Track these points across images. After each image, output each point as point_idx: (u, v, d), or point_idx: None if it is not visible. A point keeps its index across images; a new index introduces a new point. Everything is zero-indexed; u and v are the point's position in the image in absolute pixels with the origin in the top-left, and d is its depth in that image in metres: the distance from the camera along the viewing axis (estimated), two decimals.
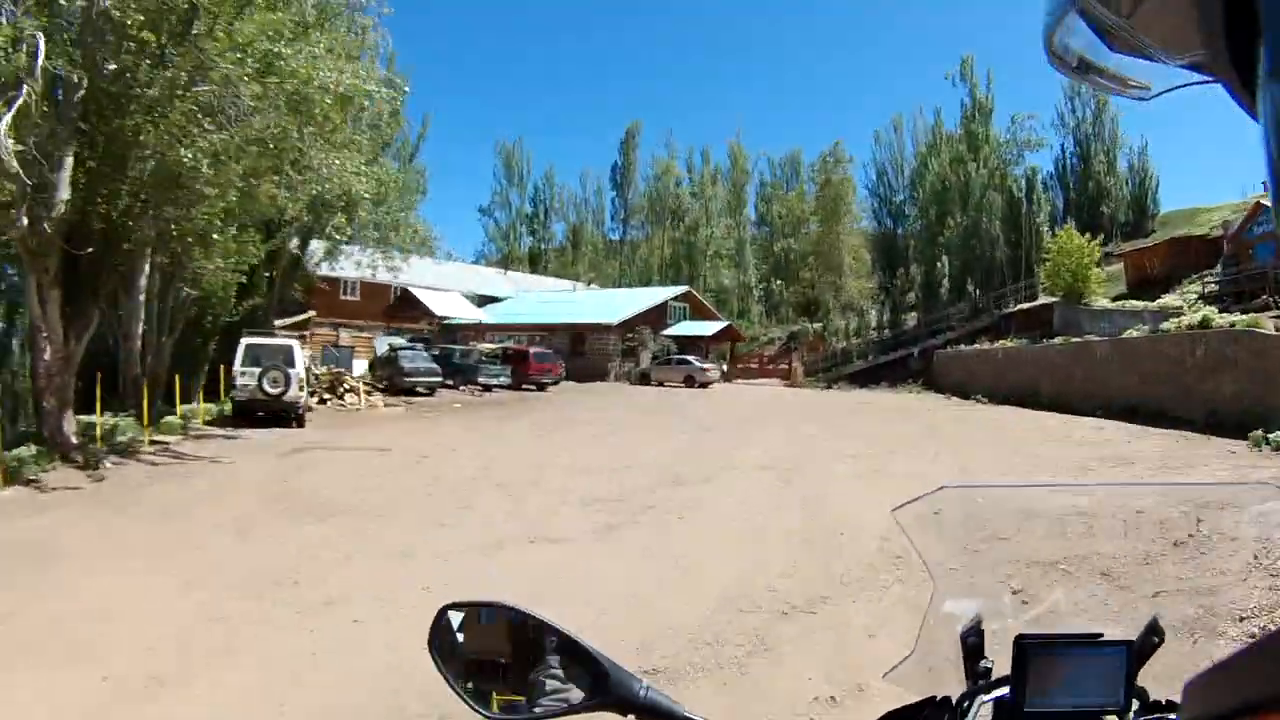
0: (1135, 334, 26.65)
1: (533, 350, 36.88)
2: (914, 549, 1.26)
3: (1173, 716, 1.02)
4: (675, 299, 49.01)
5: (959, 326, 44.24)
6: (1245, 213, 34.12)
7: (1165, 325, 25.97)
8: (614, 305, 46.25)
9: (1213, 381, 21.52)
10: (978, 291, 47.44)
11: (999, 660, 1.14)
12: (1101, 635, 1.05)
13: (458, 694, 1.11)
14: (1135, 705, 1.04)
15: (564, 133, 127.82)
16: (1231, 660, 0.34)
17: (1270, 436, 15.90)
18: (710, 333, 47.20)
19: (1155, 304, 30.85)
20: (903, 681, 1.19)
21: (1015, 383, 31.72)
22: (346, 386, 26.19)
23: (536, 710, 1.07)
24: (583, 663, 1.09)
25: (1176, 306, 29.12)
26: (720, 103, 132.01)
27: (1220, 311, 25.73)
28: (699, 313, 50.32)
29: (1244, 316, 23.73)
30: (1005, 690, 1.07)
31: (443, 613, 1.18)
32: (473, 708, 1.09)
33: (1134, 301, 32.09)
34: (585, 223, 77.78)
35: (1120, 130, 55.29)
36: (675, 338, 45.73)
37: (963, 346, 39.87)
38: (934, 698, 1.13)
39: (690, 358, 41.24)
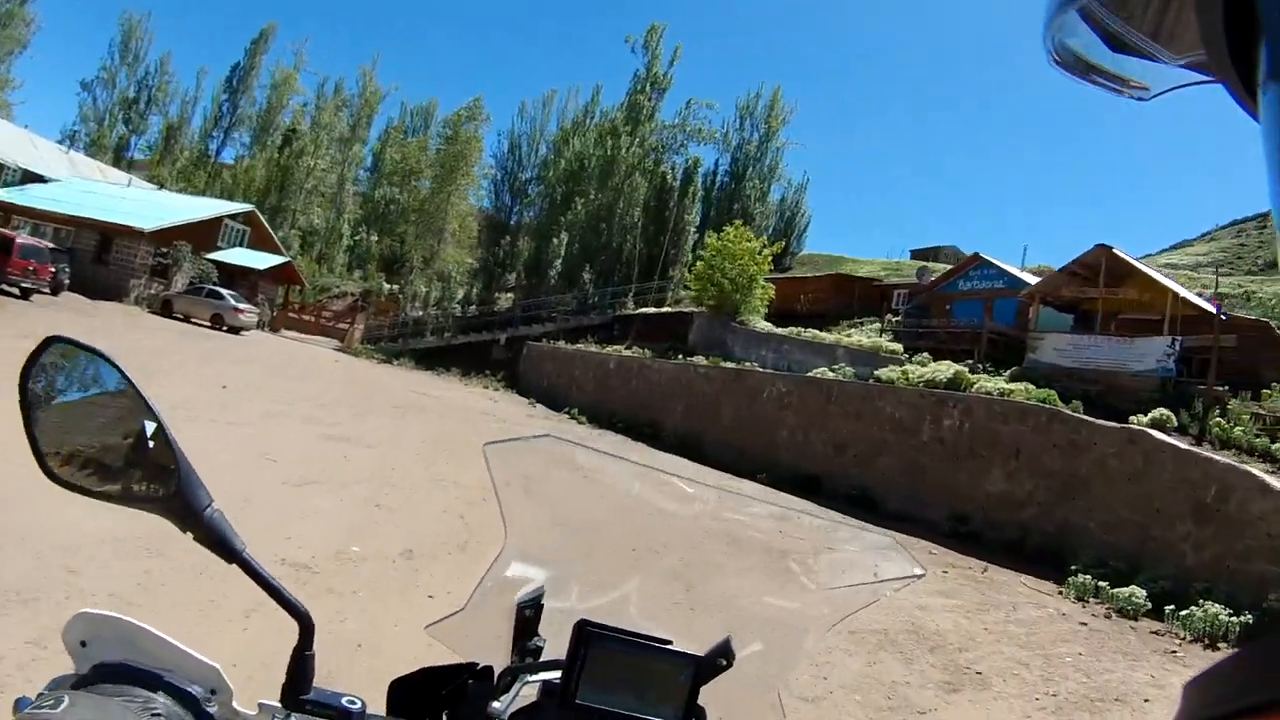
0: (834, 376, 17.45)
1: (19, 240, 24.86)
2: (495, 492, 1.13)
3: None
4: (234, 218, 38.82)
5: (562, 318, 34.07)
6: (939, 270, 30.58)
7: (886, 373, 16.96)
8: (156, 209, 35.87)
9: (969, 470, 13.81)
10: (594, 283, 37.60)
11: (552, 641, 1.09)
12: (671, 643, 0.98)
13: (28, 437, 0.93)
14: None
15: (200, 21, 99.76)
16: (1231, 660, 0.29)
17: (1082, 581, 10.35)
18: (263, 266, 36.31)
19: (845, 339, 22.31)
20: (445, 638, 1.10)
21: (630, 404, 21.78)
22: None
23: (98, 488, 0.95)
24: (162, 457, 0.94)
25: (871, 347, 20.70)
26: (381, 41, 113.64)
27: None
28: (263, 242, 39.22)
29: (999, 381, 15.22)
30: (555, 674, 1.00)
31: (49, 343, 0.97)
32: (37, 457, 0.94)
33: (815, 331, 23.61)
34: (187, 122, 62.22)
35: (782, 163, 50.94)
36: (223, 265, 35.84)
37: (563, 343, 29.55)
38: (475, 664, 1.04)
39: (226, 293, 31.41)
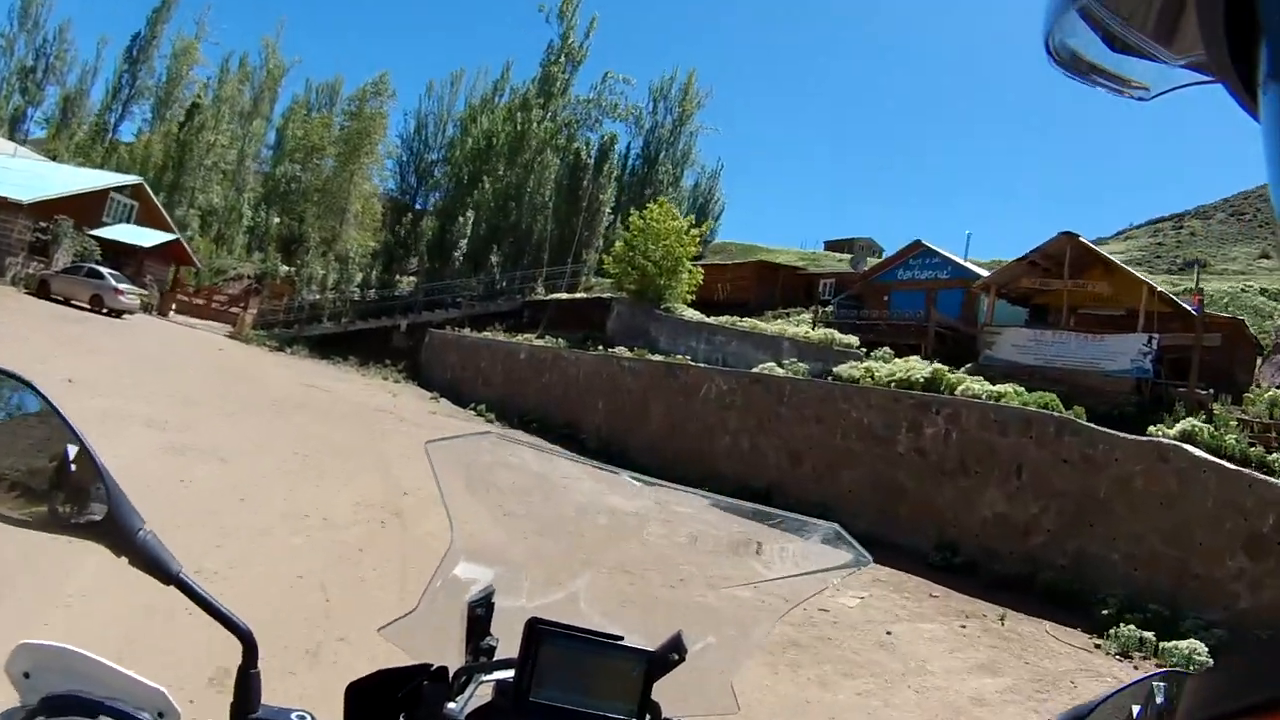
0: (785, 373, 15.24)
1: None
2: (440, 493, 1.11)
3: None
4: (121, 191, 34.95)
5: (468, 304, 31.09)
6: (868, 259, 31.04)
7: (846, 371, 14.77)
8: (38, 180, 32.08)
9: (959, 489, 11.74)
10: (502, 267, 34.58)
11: (505, 640, 1.09)
12: (622, 639, 0.99)
13: None
14: (647, 719, 0.98)
15: None
16: (1231, 660, 0.32)
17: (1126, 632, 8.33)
18: (149, 244, 32.87)
19: (788, 331, 20.03)
20: (398, 640, 1.09)
21: (544, 401, 19.28)
22: None
23: (23, 517, 0.92)
24: (88, 481, 0.92)
25: (822, 340, 18.57)
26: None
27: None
28: (152, 219, 35.40)
29: (983, 383, 13.24)
30: (509, 673, 0.99)
31: None
32: None
33: (754, 320, 21.30)
34: (85, 94, 57.01)
35: (696, 148, 49.54)
36: (108, 242, 32.36)
37: (469, 331, 26.64)
38: (430, 665, 1.01)
39: (107, 272, 28.23)
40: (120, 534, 0.90)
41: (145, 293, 31.32)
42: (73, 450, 0.91)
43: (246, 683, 0.90)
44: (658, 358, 18.10)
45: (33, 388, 0.94)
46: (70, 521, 0.91)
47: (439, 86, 52.22)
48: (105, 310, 26.50)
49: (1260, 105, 0.33)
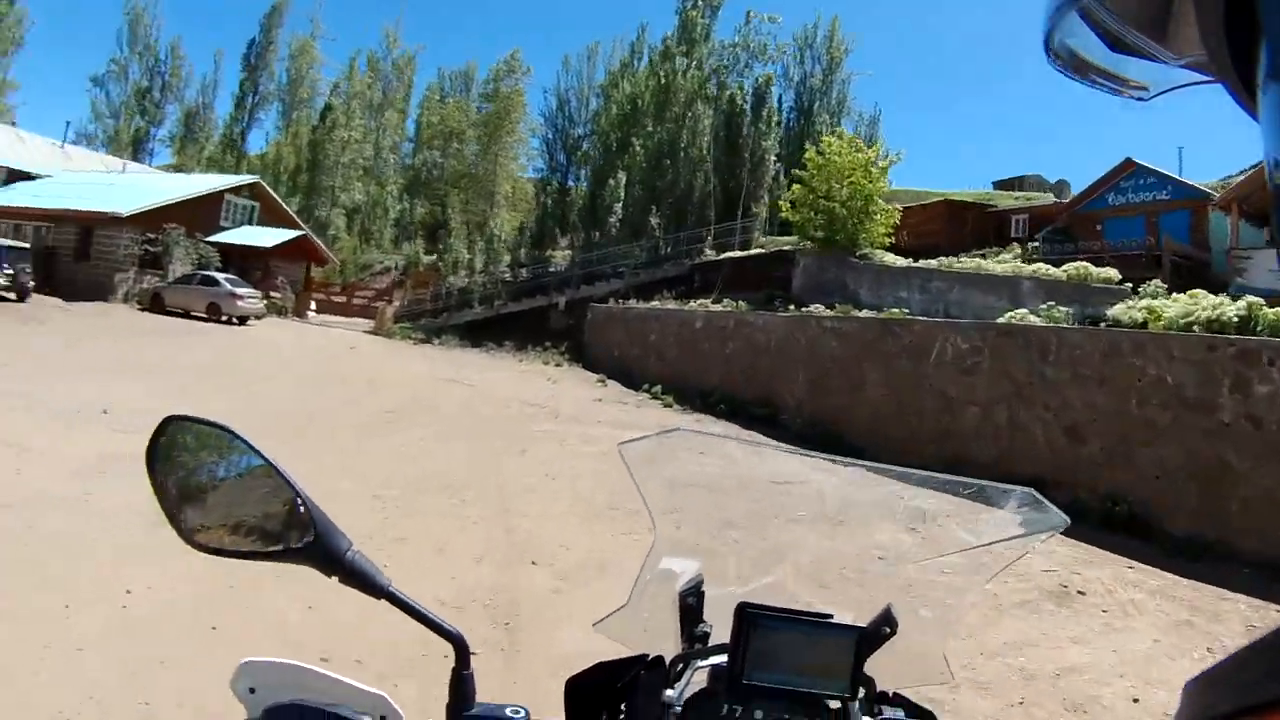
0: (1041, 321, 12.31)
1: None
2: (638, 490, 1.17)
3: (900, 712, 1.01)
4: (238, 192, 33.91)
5: (631, 273, 28.99)
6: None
7: (1122, 313, 11.64)
8: (144, 192, 30.72)
9: None
10: (664, 229, 32.26)
11: (717, 626, 1.11)
12: (831, 616, 1.00)
13: (165, 514, 1.03)
14: (861, 694, 0.99)
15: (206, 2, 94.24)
16: (1231, 660, 0.30)
17: None
18: (271, 243, 31.44)
19: (1026, 270, 16.82)
20: (613, 633, 1.15)
21: (729, 375, 17.06)
22: None
23: (241, 548, 1.02)
24: (296, 512, 1.00)
25: (1076, 276, 15.51)
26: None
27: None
28: (275, 217, 34.56)
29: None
30: (723, 658, 1.02)
31: (166, 424, 1.05)
32: (179, 531, 1.02)
33: (979, 260, 18.21)
34: (209, 107, 58.84)
35: (850, 95, 46.93)
36: (226, 247, 31.27)
37: (635, 302, 24.52)
38: (646, 655, 1.06)
39: (221, 278, 26.92)
40: (330, 556, 0.95)
41: (277, 295, 30.91)
42: (279, 484, 0.99)
43: (461, 683, 0.94)
44: (864, 313, 15.34)
45: (232, 431, 1.02)
46: (284, 551, 0.97)
47: (575, 61, 51.03)
48: (224, 318, 25.57)
49: (1260, 105, 0.33)
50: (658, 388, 18.01)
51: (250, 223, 33.77)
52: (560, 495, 8.27)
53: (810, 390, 14.65)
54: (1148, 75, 0.43)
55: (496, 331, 28.17)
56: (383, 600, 0.95)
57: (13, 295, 22.08)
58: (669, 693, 1.01)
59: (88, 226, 28.58)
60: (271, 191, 36.05)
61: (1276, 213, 0.33)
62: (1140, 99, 0.45)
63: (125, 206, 28.02)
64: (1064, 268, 16.24)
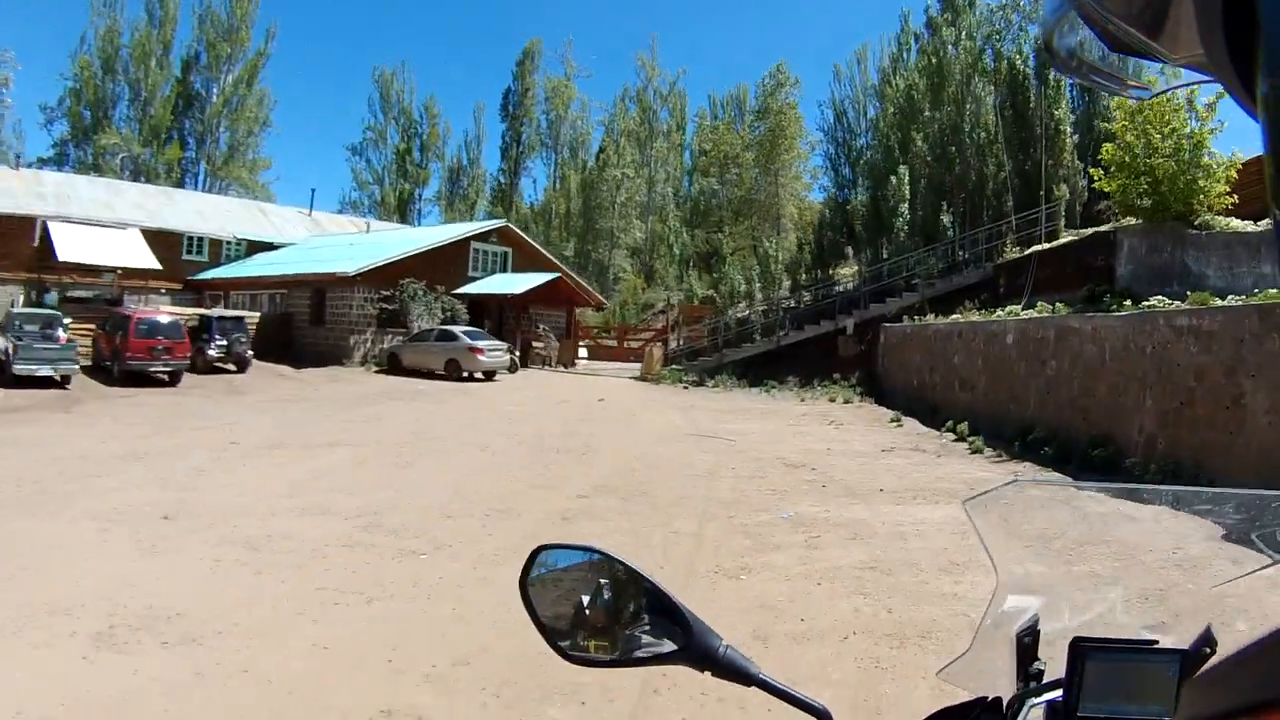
0: None
1: (138, 315, 21.14)
2: (981, 542, 1.20)
3: None
4: (484, 238, 32.86)
5: (925, 284, 25.77)
6: None
7: None
8: (380, 249, 30.17)
9: None
10: (956, 229, 28.53)
11: (1053, 663, 1.14)
12: (1156, 642, 1.01)
13: (543, 635, 1.13)
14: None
15: (454, 60, 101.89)
16: (1231, 660, 0.33)
17: None
18: (521, 290, 29.73)
19: None
20: (955, 679, 1.19)
21: (1051, 404, 14.03)
22: None
23: (617, 656, 1.10)
24: (667, 615, 1.10)
25: None
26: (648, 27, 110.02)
27: None
28: (531, 261, 33.49)
29: None
30: (1057, 694, 1.04)
31: (536, 553, 1.18)
32: (556, 649, 1.11)
33: None
34: (475, 163, 60.71)
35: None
36: (475, 298, 30.30)
37: (931, 317, 21.48)
38: (984, 698, 1.12)
39: (459, 331, 25.53)
40: (704, 654, 1.05)
41: (539, 345, 29.78)
42: (648, 593, 1.10)
43: None
44: (1228, 300, 11.63)
45: (598, 550, 1.15)
46: (660, 655, 1.07)
47: (845, 67, 48.70)
48: (464, 374, 24.17)
49: (1260, 105, 0.33)
50: (963, 425, 15.07)
51: (504, 270, 32.37)
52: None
53: (1162, 421, 11.18)
54: (1148, 75, 0.43)
55: (778, 366, 25.72)
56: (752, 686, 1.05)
57: (232, 366, 22.82)
58: None
59: (320, 289, 28.20)
60: (522, 234, 34.98)
61: (1276, 208, 0.33)
62: (1140, 99, 0.42)
63: (355, 265, 27.26)
64: None
